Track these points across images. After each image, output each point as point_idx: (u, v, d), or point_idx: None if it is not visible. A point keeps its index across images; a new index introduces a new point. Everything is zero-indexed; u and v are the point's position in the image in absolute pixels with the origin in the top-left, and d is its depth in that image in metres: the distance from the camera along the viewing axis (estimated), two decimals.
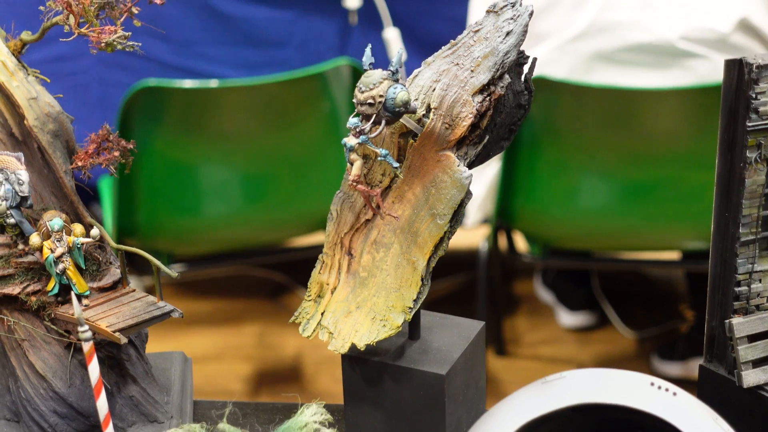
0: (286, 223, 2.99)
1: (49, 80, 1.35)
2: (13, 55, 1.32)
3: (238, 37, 3.13)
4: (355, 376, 1.30)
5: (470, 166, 1.22)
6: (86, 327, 1.11)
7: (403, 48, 1.22)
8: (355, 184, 1.20)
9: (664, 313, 3.27)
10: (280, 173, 2.88)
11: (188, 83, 2.67)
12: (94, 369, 1.12)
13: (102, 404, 1.13)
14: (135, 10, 1.31)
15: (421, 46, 3.13)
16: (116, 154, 1.33)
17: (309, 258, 3.53)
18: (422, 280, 1.24)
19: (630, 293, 3.38)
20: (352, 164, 1.20)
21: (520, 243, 2.95)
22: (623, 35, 2.56)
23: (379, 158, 1.18)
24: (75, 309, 1.11)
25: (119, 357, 1.31)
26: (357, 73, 2.75)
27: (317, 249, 3.18)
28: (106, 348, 1.31)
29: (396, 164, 1.18)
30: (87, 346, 1.12)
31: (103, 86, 3.12)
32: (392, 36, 3.06)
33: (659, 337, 3.16)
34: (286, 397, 1.29)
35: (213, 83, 2.71)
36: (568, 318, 3.23)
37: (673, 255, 3.08)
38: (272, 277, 3.52)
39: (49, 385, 1.29)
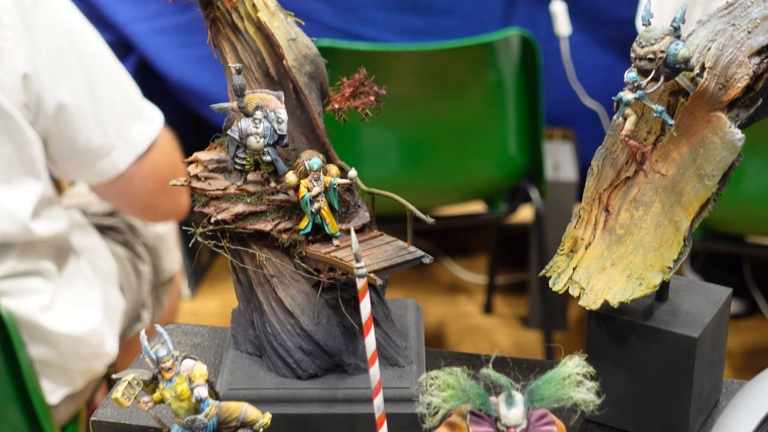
0: (441, 191, 2.99)
1: (303, 23, 1.36)
2: None
3: (403, 3, 3.13)
4: (600, 333, 1.29)
5: (740, 128, 1.21)
6: (362, 264, 1.12)
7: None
8: (627, 139, 1.19)
9: None
10: (440, 141, 2.88)
11: (361, 45, 2.68)
12: (365, 306, 1.13)
13: (370, 341, 1.13)
14: None
15: (587, 21, 3.11)
16: (371, 98, 1.34)
17: (458, 227, 3.54)
18: (684, 240, 1.23)
19: None
20: (625, 119, 1.19)
21: None
22: None
23: (654, 114, 1.17)
24: (353, 245, 1.12)
25: None
26: (527, 44, 2.74)
27: (468, 218, 3.20)
28: (350, 290, 1.32)
29: (671, 121, 1.17)
30: (361, 283, 1.12)
31: None
32: (559, 9, 3.04)
33: None
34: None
35: (384, 47, 2.72)
36: None
37: None
38: (419, 244, 3.51)
39: (296, 322, 1.31)
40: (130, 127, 2.03)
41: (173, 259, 2.53)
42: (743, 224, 2.84)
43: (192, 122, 3.55)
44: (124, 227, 2.42)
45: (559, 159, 3.13)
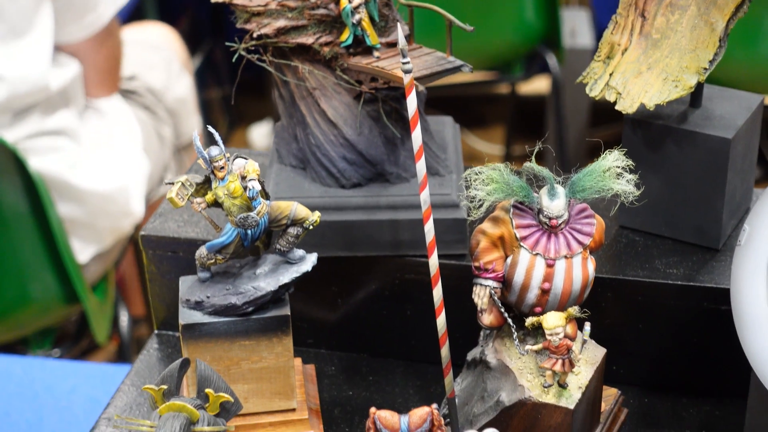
0: (456, 57, 2.99)
1: None
2: None
3: None
4: (636, 139, 1.32)
5: None
6: (408, 59, 1.14)
7: None
8: None
9: None
10: (455, 5, 2.86)
11: None
12: (411, 101, 1.15)
13: (417, 136, 1.16)
14: None
15: None
16: None
17: (469, 96, 3.55)
18: (720, 41, 1.25)
19: None
20: None
21: None
22: None
23: None
24: (399, 40, 1.14)
25: (402, 111, 1.35)
26: None
27: (482, 85, 3.20)
28: (391, 102, 1.35)
29: None
30: (407, 78, 1.15)
31: None
32: None
33: None
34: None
35: None
36: None
37: None
38: (432, 113, 3.53)
39: (339, 132, 1.34)
40: None
41: (193, 123, 2.57)
42: (759, 85, 2.85)
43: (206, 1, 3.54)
44: (145, 91, 2.44)
45: (576, 26, 3.13)
